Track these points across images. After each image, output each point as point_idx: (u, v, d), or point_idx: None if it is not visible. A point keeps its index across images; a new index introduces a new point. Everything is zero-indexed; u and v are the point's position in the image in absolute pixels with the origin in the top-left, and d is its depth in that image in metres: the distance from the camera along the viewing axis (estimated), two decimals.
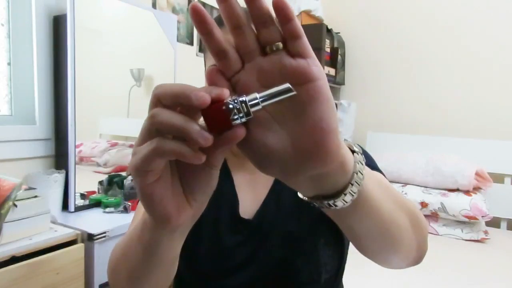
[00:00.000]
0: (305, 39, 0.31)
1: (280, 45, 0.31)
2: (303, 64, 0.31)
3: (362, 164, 0.35)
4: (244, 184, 0.71)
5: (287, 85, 0.30)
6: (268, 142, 0.32)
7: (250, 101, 0.30)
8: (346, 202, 0.35)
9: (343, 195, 0.34)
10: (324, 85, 0.31)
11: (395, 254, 0.44)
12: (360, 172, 0.35)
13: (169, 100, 0.31)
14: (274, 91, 0.30)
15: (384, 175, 0.63)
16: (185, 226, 0.39)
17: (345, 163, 0.33)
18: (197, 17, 0.30)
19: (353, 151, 0.36)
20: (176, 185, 0.35)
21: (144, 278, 0.46)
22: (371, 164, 0.64)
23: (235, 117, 0.30)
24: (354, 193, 0.34)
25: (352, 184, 0.34)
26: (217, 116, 0.30)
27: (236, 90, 0.32)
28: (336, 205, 0.35)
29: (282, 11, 0.30)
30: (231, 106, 0.30)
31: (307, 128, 0.31)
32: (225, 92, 0.30)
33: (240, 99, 0.30)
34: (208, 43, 0.31)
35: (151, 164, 0.31)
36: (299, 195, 0.38)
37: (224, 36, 0.31)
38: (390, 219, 0.40)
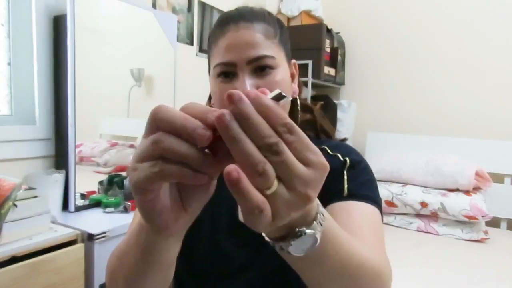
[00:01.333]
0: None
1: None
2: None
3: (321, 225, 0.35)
4: None
5: (278, 91, 0.30)
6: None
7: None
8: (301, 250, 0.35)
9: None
10: None
11: None
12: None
13: (170, 131, 0.30)
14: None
15: (379, 204, 0.62)
16: (181, 230, 0.40)
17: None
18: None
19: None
20: (174, 195, 0.35)
21: (141, 282, 0.46)
22: (369, 193, 0.63)
23: None
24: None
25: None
26: (216, 138, 0.29)
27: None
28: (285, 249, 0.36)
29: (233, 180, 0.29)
30: None
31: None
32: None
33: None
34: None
35: (153, 185, 0.31)
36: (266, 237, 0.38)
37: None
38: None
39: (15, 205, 1.01)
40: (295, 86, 0.71)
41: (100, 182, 1.54)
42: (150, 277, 0.45)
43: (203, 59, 2.05)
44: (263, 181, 0.28)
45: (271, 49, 0.63)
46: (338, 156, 0.66)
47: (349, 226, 0.53)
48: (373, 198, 0.62)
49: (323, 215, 0.36)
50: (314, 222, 0.34)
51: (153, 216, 0.34)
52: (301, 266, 0.41)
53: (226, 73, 0.63)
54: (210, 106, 0.77)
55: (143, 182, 0.31)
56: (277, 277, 0.66)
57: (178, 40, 1.90)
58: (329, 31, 2.77)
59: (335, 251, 0.39)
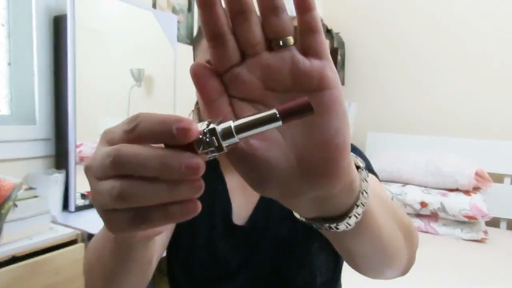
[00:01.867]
0: (323, 37, 0.26)
1: (291, 39, 0.26)
2: (318, 67, 0.26)
3: (367, 182, 0.31)
4: (237, 187, 0.70)
5: (274, 111, 0.24)
6: (270, 159, 0.27)
7: (222, 132, 0.24)
8: (350, 225, 0.31)
9: (347, 217, 0.30)
10: (340, 94, 0.27)
11: (388, 269, 0.41)
12: (365, 191, 0.31)
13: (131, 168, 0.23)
14: (255, 119, 0.24)
15: (377, 177, 0.63)
16: (163, 231, 0.39)
17: (352, 183, 0.29)
18: None
19: (357, 167, 0.32)
20: None
21: (120, 280, 0.45)
22: (366, 165, 0.63)
23: (205, 151, 0.24)
24: (359, 215, 0.31)
25: (357, 206, 0.30)
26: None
27: (231, 88, 0.27)
28: (338, 228, 0.31)
29: None
30: (200, 137, 0.24)
31: (318, 144, 0.26)
32: (193, 127, 0.23)
33: (210, 127, 0.24)
34: (206, 21, 0.25)
35: (128, 231, 0.26)
36: (296, 215, 0.33)
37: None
38: (388, 238, 0.37)
39: (15, 205, 1.01)
40: None
41: None
42: (128, 275, 0.44)
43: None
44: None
45: None
46: None
47: None
48: (372, 170, 0.63)
49: (366, 181, 0.32)
50: (360, 195, 0.31)
51: (130, 236, 0.34)
52: (352, 239, 0.36)
53: None
54: (197, 109, 0.77)
55: (118, 232, 0.26)
56: (273, 278, 0.66)
57: (178, 40, 1.90)
58: (329, 31, 2.77)
59: (379, 217, 0.36)
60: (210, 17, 0.25)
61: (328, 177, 0.27)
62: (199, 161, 0.23)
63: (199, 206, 0.25)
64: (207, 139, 0.24)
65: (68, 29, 1.34)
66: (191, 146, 0.24)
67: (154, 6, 1.85)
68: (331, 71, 0.26)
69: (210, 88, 0.27)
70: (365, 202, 0.31)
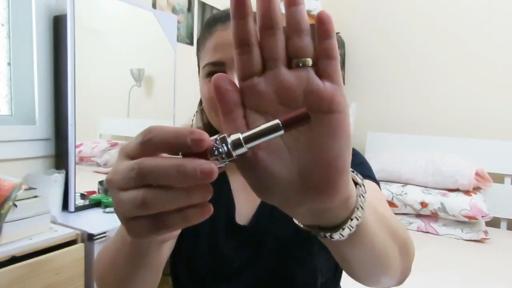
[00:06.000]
0: (338, 63, 0.28)
1: (310, 61, 0.28)
2: (330, 90, 0.28)
3: (364, 198, 0.33)
4: (241, 188, 0.70)
5: (277, 121, 0.26)
6: (274, 171, 0.29)
7: (232, 143, 0.27)
8: (343, 236, 0.33)
9: (341, 229, 0.33)
10: (347, 119, 0.28)
11: (383, 278, 0.43)
12: (361, 206, 0.33)
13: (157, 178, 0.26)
14: (261, 129, 0.27)
15: (378, 183, 0.63)
16: (178, 234, 0.40)
17: (349, 199, 0.31)
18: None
19: (355, 183, 0.34)
20: None
21: (133, 284, 0.46)
22: (367, 173, 0.63)
23: (217, 158, 0.27)
24: (352, 227, 0.33)
25: (351, 219, 0.33)
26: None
27: (247, 97, 0.29)
28: (332, 237, 0.33)
29: (324, 25, 0.27)
30: (213, 148, 0.27)
31: (320, 164, 0.28)
32: (205, 137, 0.26)
33: (221, 136, 0.27)
34: (237, 29, 0.28)
35: (149, 236, 0.28)
36: (295, 221, 0.36)
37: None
38: (382, 249, 0.39)
39: (15, 205, 1.01)
40: None
41: (100, 182, 1.54)
42: (141, 279, 0.46)
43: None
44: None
45: None
46: None
47: None
48: (372, 177, 0.63)
49: (363, 197, 0.34)
50: (356, 210, 0.33)
51: (146, 241, 0.36)
52: (346, 248, 0.38)
53: (215, 72, 0.62)
54: (201, 109, 0.77)
55: (140, 231, 0.27)
56: (274, 278, 0.66)
57: (178, 40, 1.90)
58: None
59: (374, 230, 0.38)
60: (241, 27, 0.28)
61: (325, 194, 0.29)
62: (212, 166, 0.25)
63: (211, 208, 0.28)
64: (219, 148, 0.26)
65: (68, 29, 1.34)
66: (205, 155, 0.26)
67: (154, 6, 1.85)
68: (341, 96, 0.28)
69: (229, 100, 0.29)
70: (360, 216, 0.33)
